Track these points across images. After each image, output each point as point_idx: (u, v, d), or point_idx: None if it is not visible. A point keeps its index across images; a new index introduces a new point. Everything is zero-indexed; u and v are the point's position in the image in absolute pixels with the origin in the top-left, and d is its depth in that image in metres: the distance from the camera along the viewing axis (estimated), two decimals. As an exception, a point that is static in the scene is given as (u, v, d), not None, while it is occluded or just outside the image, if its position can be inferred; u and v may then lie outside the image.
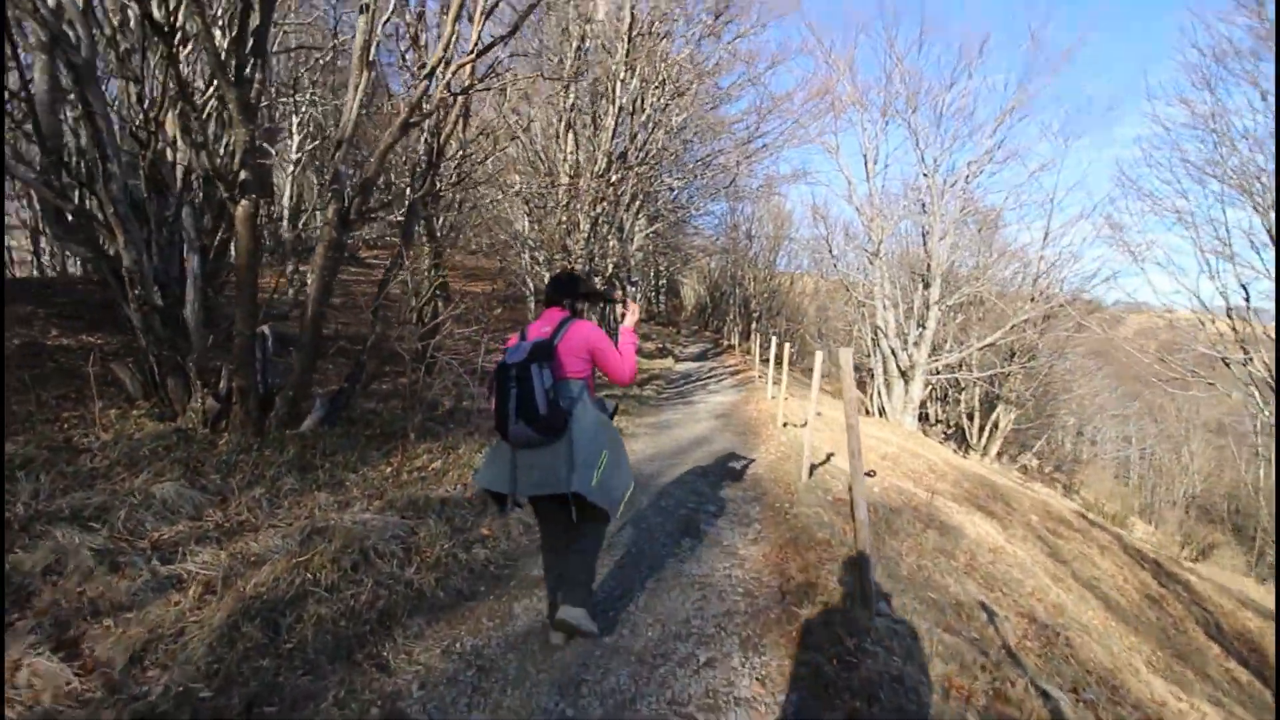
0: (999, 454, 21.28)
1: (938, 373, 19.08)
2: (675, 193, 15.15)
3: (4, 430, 3.79)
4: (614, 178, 8.12)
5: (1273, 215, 11.02)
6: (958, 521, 7.45)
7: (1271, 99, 10.67)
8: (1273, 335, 12.00)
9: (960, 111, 16.95)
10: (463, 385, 6.68)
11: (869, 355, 20.36)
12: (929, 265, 19.11)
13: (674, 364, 17.30)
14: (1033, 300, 16.92)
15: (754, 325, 23.96)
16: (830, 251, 19.97)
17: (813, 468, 6.18)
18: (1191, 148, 13.16)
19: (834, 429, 10.85)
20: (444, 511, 4.09)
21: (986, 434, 20.33)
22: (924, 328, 18.48)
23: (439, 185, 5.58)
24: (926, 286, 19.27)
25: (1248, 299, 12.53)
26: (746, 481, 5.69)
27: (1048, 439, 26.61)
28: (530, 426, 2.29)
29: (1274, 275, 11.22)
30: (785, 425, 8.55)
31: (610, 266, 9.61)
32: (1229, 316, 12.38)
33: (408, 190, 5.63)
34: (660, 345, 20.53)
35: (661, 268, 28.34)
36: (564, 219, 8.38)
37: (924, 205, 19.44)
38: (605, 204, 8.44)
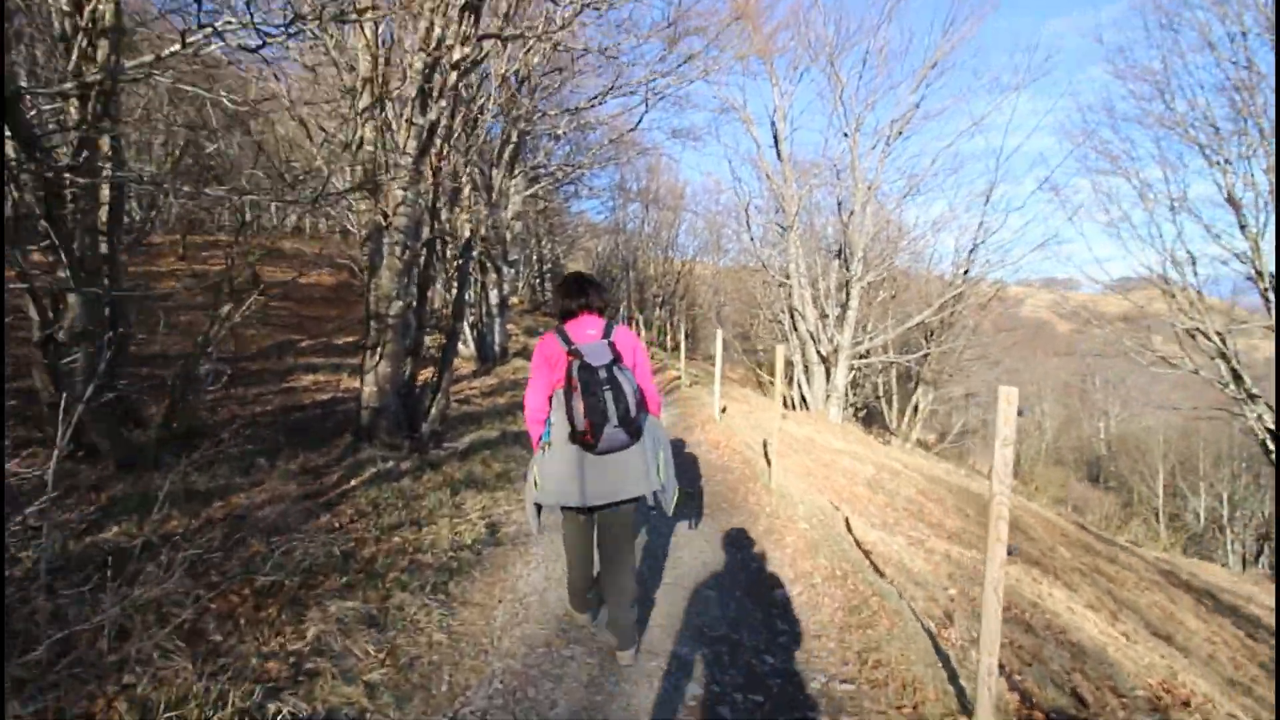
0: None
1: (862, 357, 16.65)
2: (561, 143, 11.20)
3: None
4: (458, 52, 4.12)
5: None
6: (1145, 662, 4.31)
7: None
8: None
9: (888, 59, 14.26)
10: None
11: (784, 340, 17.63)
12: (847, 238, 16.58)
13: (570, 365, 13.42)
14: (965, 273, 14.74)
15: (657, 313, 20.54)
16: (748, 224, 16.86)
17: (933, 635, 2.70)
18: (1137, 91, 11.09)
19: (798, 452, 7.57)
20: None
21: (907, 417, 18.33)
22: (846, 308, 15.91)
23: None
24: (845, 263, 16.73)
25: (1195, 265, 10.76)
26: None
27: (951, 415, 25.65)
28: (626, 430, 2.18)
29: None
30: (773, 481, 5.02)
31: (468, 231, 5.61)
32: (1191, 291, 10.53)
33: None
34: (550, 341, 16.53)
35: (546, 250, 24.18)
36: (364, 130, 4.28)
37: (839, 172, 16.83)
38: (447, 103, 4.41)
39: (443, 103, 4.47)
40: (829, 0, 16.76)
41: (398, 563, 3.12)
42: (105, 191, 4.27)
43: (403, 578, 2.97)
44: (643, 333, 17.16)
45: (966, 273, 14.58)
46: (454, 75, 4.47)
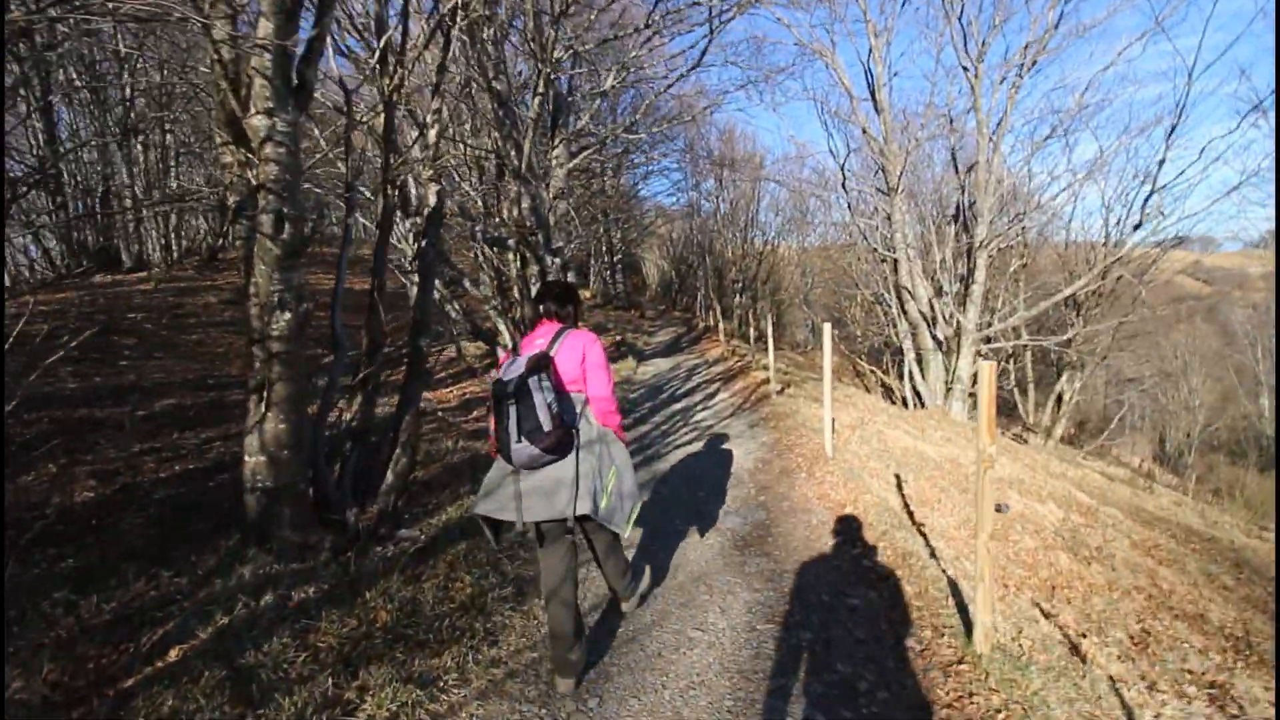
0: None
1: (988, 341, 13.45)
2: (620, 107, 9.04)
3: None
4: None
5: None
6: None
7: None
8: None
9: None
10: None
11: (892, 324, 14.67)
12: (966, 196, 13.40)
13: (635, 366, 11.30)
14: (1137, 226, 11.22)
15: (737, 300, 17.99)
16: (844, 185, 13.96)
17: None
18: None
19: (942, 488, 4.96)
20: None
21: (1049, 410, 14.85)
22: (970, 282, 12.80)
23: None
24: (966, 227, 13.55)
25: None
26: None
27: (1079, 404, 21.50)
28: (535, 445, 2.02)
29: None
30: (992, 664, 2.60)
31: (433, 198, 3.57)
32: None
33: None
34: (619, 338, 14.48)
35: (616, 240, 22.18)
36: (215, 18, 2.30)
37: (951, 120, 13.65)
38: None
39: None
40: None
41: None
42: None
43: None
44: (722, 324, 14.76)
45: (1138, 226, 11.04)
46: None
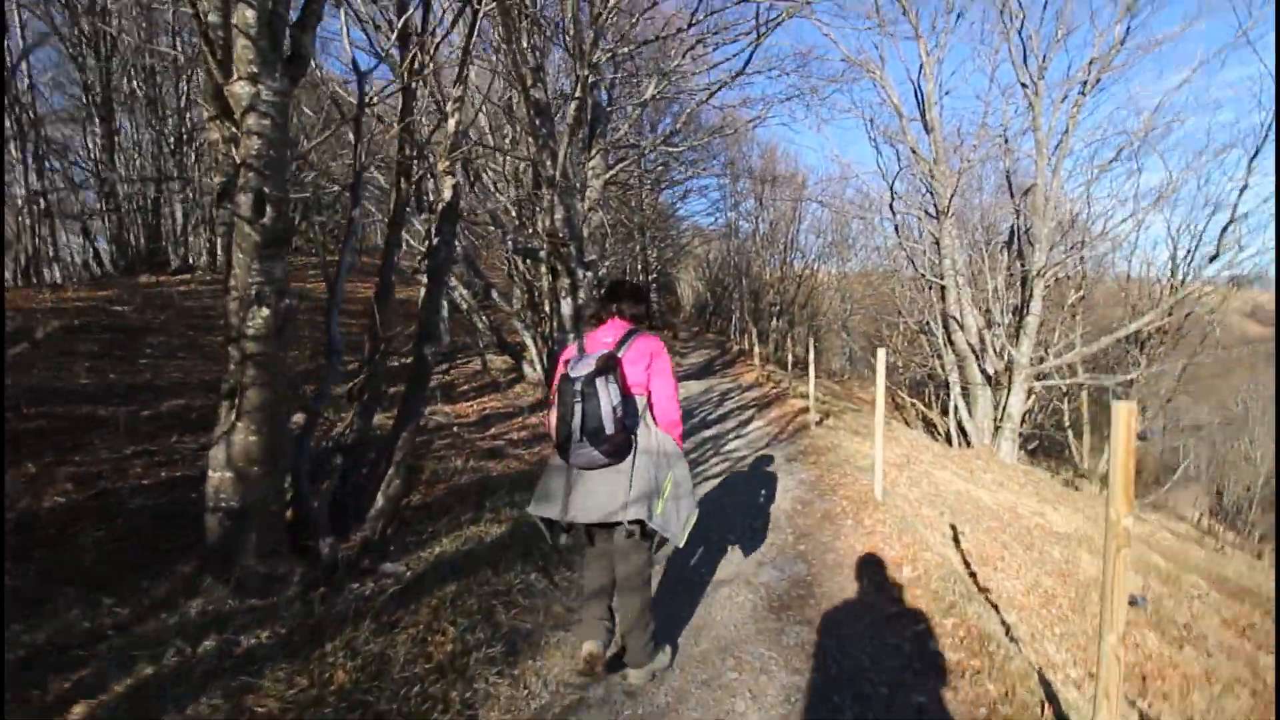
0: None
1: (1041, 377, 12.59)
2: (660, 122, 8.71)
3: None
4: None
5: None
6: None
7: None
8: None
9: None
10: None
11: (938, 356, 13.89)
12: (1022, 220, 12.64)
13: (667, 387, 10.79)
14: (1213, 258, 10.29)
15: (774, 324, 17.40)
16: (892, 207, 13.33)
17: None
18: None
19: (1000, 543, 4.25)
20: None
21: (1105, 456, 13.78)
22: (1024, 313, 12.01)
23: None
24: (1020, 254, 12.77)
25: None
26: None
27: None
28: (596, 448, 1.98)
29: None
30: None
31: (449, 193, 3.18)
32: None
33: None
34: (649, 356, 13.99)
35: (652, 259, 21.86)
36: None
37: (1006, 139, 12.96)
38: None
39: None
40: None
41: None
42: None
43: None
44: (757, 348, 14.19)
45: (1214, 258, 10.15)
46: None
